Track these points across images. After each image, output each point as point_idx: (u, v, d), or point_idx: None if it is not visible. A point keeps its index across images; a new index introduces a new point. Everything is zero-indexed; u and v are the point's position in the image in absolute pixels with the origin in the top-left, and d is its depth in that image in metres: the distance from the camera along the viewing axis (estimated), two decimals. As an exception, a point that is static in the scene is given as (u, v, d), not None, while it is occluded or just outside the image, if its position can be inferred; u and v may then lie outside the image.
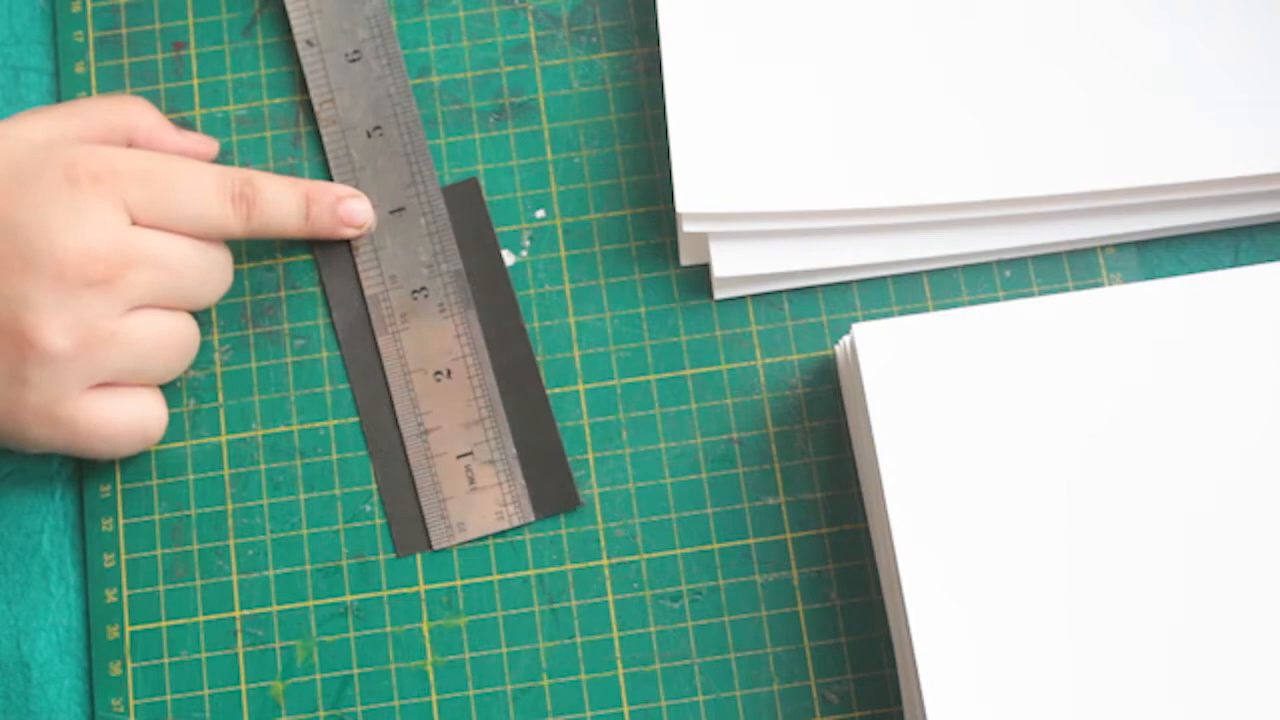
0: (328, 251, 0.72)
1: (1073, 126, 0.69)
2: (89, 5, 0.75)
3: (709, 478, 0.69)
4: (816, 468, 0.68)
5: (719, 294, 0.71)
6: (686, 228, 0.69)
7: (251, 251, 0.72)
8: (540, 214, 0.72)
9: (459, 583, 0.68)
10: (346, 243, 0.72)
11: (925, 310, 0.70)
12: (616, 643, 0.67)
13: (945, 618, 0.62)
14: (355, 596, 0.68)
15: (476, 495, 0.69)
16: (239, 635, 0.67)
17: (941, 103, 0.70)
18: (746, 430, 0.69)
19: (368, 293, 0.71)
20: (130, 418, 0.66)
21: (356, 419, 0.70)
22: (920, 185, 0.69)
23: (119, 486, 0.69)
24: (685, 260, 0.71)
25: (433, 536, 0.68)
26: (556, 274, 0.71)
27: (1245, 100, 0.69)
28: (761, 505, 0.68)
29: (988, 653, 0.61)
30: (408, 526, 0.69)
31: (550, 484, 0.69)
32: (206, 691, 0.67)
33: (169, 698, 0.67)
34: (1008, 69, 0.70)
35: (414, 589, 0.68)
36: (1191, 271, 0.70)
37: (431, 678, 0.67)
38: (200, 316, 0.71)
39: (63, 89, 0.74)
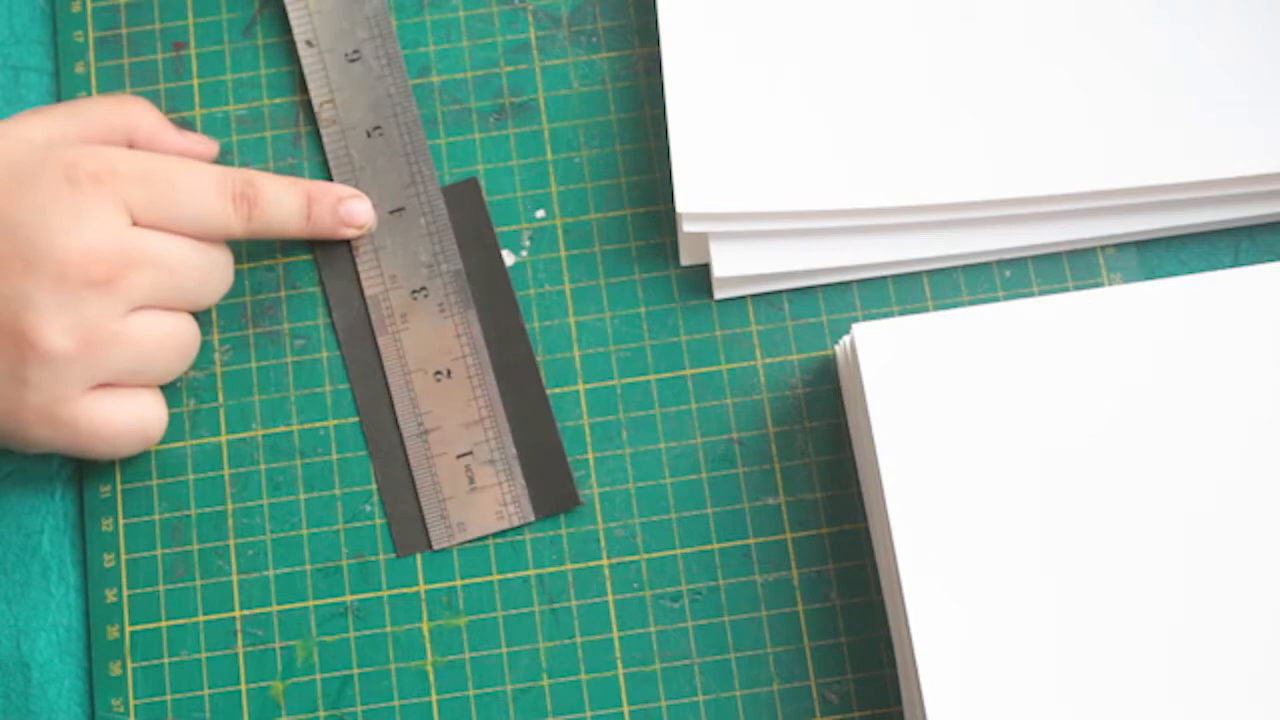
0: (328, 251, 0.72)
1: (1073, 126, 0.69)
2: (89, 5, 0.75)
3: (709, 478, 0.69)
4: (816, 468, 0.68)
5: (719, 294, 0.71)
6: (686, 228, 0.69)
7: (251, 251, 0.72)
8: (540, 214, 0.72)
9: (459, 583, 0.68)
10: (346, 243, 0.72)
11: (925, 310, 0.70)
12: (616, 643, 0.67)
13: (945, 618, 0.62)
14: (355, 596, 0.68)
15: (476, 495, 0.69)
16: (239, 635, 0.67)
17: (941, 103, 0.70)
18: (746, 430, 0.69)
19: (368, 293, 0.71)
20: (131, 418, 0.66)
21: (356, 419, 0.70)
22: (920, 185, 0.69)
23: (119, 486, 0.69)
24: (685, 260, 0.71)
25: (433, 536, 0.68)
26: (556, 274, 0.71)
27: (1245, 100, 0.69)
28: (761, 505, 0.68)
29: (988, 653, 0.61)
30: (408, 526, 0.69)
31: (550, 484, 0.69)
32: (206, 691, 0.67)
33: (169, 698, 0.67)
34: (1008, 69, 0.70)
35: (414, 589, 0.68)
36: (1191, 271, 0.70)
37: (431, 678, 0.67)
38: (200, 317, 0.71)
39: (63, 89, 0.74)
